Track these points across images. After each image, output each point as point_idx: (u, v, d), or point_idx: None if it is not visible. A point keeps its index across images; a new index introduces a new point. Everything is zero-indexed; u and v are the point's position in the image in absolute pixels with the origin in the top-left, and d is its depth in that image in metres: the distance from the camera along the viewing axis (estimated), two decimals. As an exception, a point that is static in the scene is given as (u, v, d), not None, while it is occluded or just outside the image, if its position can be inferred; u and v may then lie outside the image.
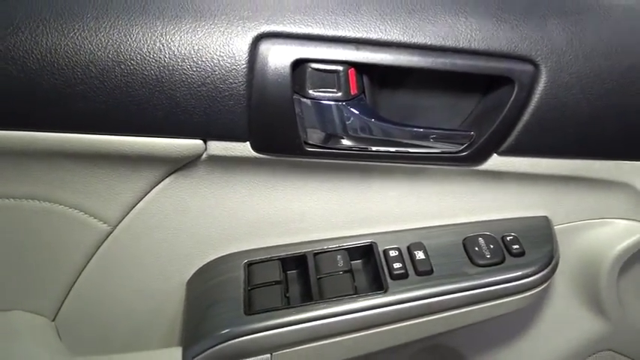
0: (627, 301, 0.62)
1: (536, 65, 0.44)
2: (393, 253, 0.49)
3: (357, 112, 0.44)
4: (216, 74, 0.40)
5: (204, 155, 0.44)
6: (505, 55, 0.44)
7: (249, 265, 0.49)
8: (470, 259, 0.50)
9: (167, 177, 0.46)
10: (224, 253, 0.50)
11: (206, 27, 0.40)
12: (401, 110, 0.49)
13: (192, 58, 0.39)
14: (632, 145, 0.50)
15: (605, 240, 0.56)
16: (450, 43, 0.43)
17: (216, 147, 0.43)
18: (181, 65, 0.39)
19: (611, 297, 0.59)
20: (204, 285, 0.49)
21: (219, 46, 0.40)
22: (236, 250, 0.50)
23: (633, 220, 0.55)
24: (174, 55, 0.39)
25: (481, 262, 0.49)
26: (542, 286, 0.52)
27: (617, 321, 0.62)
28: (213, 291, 0.48)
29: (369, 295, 0.46)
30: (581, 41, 0.46)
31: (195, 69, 0.39)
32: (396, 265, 0.48)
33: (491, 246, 0.51)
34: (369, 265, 0.50)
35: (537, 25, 0.45)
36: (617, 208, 0.55)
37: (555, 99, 0.45)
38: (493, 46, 0.44)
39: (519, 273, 0.49)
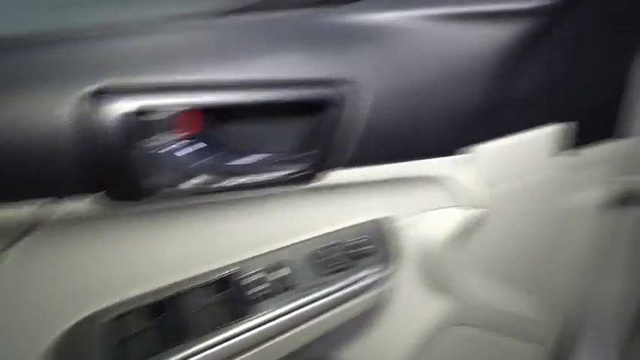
0: (469, 277, 0.71)
1: (356, 86, 0.51)
2: (255, 277, 0.52)
3: (201, 150, 0.46)
4: (58, 133, 0.40)
5: (52, 216, 0.42)
6: (327, 82, 0.50)
7: (115, 319, 0.48)
8: (326, 267, 0.55)
9: (16, 244, 0.43)
10: (86, 314, 0.48)
11: (43, 90, 0.40)
12: (244, 142, 0.52)
13: (30, 122, 0.39)
14: (442, 144, 0.60)
15: (439, 227, 0.65)
16: (271, 76, 0.48)
17: (66, 205, 0.42)
18: (20, 132, 0.39)
19: (454, 276, 0.68)
20: (69, 351, 0.46)
21: (58, 106, 0.40)
22: (99, 308, 0.49)
23: (457, 206, 0.65)
24: (13, 123, 0.39)
25: (336, 268, 0.55)
26: (392, 280, 0.58)
27: (465, 297, 0.70)
28: (81, 355, 0.45)
29: (237, 322, 0.48)
30: (394, 62, 0.53)
31: (35, 131, 0.39)
32: (260, 287, 0.51)
33: (345, 252, 0.56)
34: (234, 293, 0.52)
35: (355, 51, 0.52)
36: (443, 197, 0.64)
37: (378, 113, 0.52)
38: (313, 74, 0.50)
39: (370, 271, 0.56)
